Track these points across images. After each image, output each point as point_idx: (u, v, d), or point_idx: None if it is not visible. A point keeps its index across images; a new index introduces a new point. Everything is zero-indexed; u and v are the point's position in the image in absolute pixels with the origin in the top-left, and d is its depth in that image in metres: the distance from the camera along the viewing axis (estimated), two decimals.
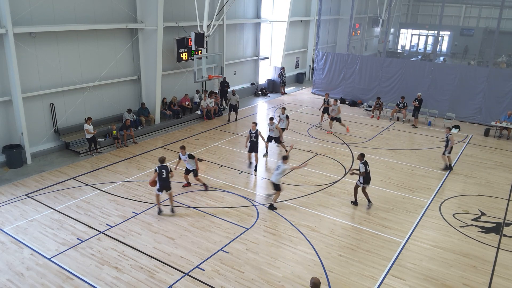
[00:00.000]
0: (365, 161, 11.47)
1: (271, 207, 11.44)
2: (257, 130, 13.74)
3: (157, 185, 10.70)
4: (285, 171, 11.29)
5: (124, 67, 17.25)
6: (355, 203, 11.87)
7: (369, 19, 36.22)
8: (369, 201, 11.76)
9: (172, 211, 11.07)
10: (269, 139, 15.46)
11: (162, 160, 10.89)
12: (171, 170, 10.93)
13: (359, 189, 11.70)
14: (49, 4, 13.97)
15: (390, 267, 9.10)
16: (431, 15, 44.17)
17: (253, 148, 13.84)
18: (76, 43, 15.13)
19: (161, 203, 11.06)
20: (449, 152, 14.26)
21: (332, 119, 18.42)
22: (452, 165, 14.67)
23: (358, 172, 11.50)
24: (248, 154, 14.14)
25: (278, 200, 11.66)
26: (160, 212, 10.97)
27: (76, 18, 14.86)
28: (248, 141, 13.81)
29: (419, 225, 10.90)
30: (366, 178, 11.44)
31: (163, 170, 10.65)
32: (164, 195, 11.04)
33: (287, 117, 16.68)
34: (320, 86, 25.97)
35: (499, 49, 31.35)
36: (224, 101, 21.53)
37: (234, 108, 19.65)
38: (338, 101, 18.97)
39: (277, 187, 11.35)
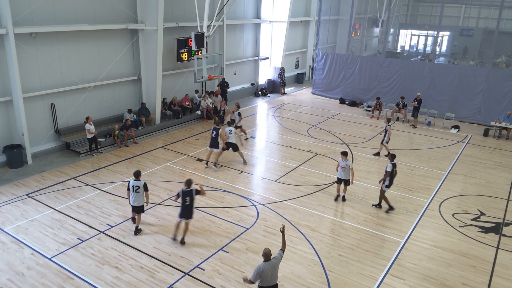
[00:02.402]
0: (395, 163, 11.32)
1: (344, 199, 12.04)
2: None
3: (178, 210, 9.51)
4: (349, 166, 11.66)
5: (125, 67, 17.28)
6: (378, 205, 11.70)
7: (368, 19, 36.25)
8: (378, 205, 11.71)
9: (183, 242, 9.69)
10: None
11: (189, 183, 9.37)
12: (199, 192, 9.44)
13: (380, 192, 11.59)
14: (50, 4, 13.99)
15: (390, 266, 9.13)
16: (430, 15, 44.23)
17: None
18: (76, 44, 15.16)
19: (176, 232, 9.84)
20: (387, 142, 15.21)
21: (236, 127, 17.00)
22: (378, 153, 15.82)
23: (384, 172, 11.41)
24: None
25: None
26: (174, 238, 9.77)
27: (77, 19, 14.88)
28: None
29: (419, 225, 10.92)
30: (390, 181, 11.24)
31: (187, 198, 9.30)
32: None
33: (239, 114, 16.37)
34: (320, 86, 26.01)
35: (499, 50, 31.37)
36: (225, 102, 21.54)
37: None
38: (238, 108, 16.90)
39: (346, 182, 11.87)
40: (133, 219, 10.37)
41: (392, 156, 11.43)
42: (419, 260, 9.42)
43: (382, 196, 11.55)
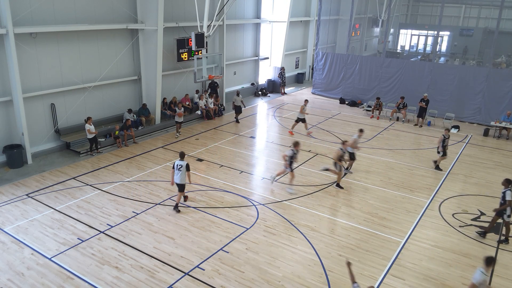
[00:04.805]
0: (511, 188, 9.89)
1: None
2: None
3: None
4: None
5: (125, 67, 17.28)
6: (504, 241, 10.21)
7: (368, 19, 36.27)
8: (506, 240, 10.31)
9: None
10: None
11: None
12: None
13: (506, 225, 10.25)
14: (50, 4, 13.99)
15: (390, 266, 9.13)
16: (430, 15, 44.26)
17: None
18: (76, 43, 15.16)
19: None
20: (439, 152, 14.38)
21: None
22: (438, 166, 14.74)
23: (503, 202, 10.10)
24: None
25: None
26: None
27: (77, 19, 14.88)
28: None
29: (419, 225, 10.92)
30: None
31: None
32: None
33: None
34: (320, 86, 26.01)
35: (499, 49, 31.39)
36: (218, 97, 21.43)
37: (239, 109, 19.62)
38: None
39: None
40: (186, 197, 11.66)
41: (507, 182, 10.13)
42: (419, 260, 9.42)
43: (509, 228, 10.29)
